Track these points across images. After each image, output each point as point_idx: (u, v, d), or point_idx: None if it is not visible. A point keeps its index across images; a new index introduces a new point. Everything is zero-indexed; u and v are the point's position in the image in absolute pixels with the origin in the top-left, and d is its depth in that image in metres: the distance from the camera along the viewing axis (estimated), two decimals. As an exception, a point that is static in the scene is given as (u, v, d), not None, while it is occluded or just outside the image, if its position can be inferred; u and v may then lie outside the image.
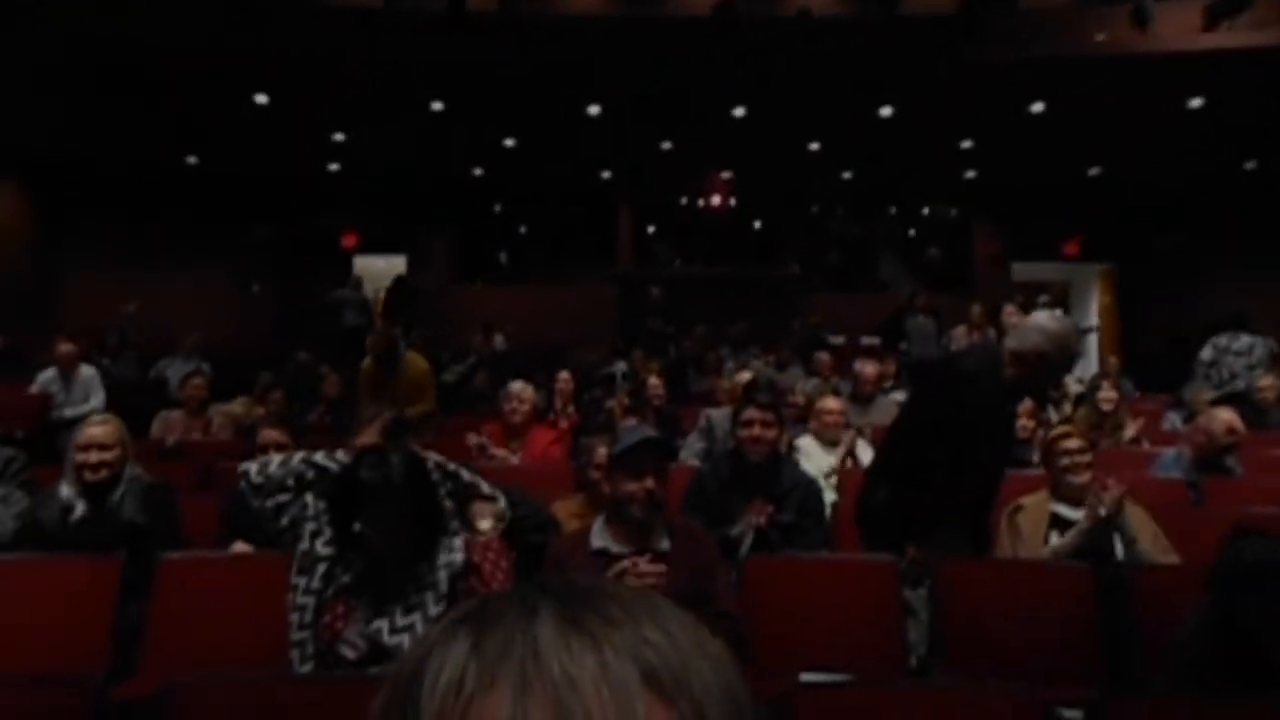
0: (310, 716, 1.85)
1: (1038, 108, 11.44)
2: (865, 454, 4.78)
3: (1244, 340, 7.84)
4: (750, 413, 3.55)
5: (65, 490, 3.11)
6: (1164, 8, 9.83)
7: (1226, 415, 4.56)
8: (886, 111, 11.73)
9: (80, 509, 3.07)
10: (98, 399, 7.49)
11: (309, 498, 2.36)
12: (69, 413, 7.12)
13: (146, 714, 1.88)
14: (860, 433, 5.11)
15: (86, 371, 7.69)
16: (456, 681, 0.40)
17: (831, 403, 5.07)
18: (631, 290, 14.62)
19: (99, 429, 3.19)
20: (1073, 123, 11.81)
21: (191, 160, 14.05)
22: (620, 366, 9.66)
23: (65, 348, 7.65)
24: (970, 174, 14.81)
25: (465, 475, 2.51)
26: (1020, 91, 11.03)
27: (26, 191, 13.59)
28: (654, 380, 6.86)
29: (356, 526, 2.20)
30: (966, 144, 13.16)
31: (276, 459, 2.41)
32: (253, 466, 2.39)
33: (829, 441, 4.87)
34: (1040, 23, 10.27)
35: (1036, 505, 3.46)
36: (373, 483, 2.23)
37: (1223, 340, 7.92)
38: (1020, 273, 16.21)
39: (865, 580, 2.81)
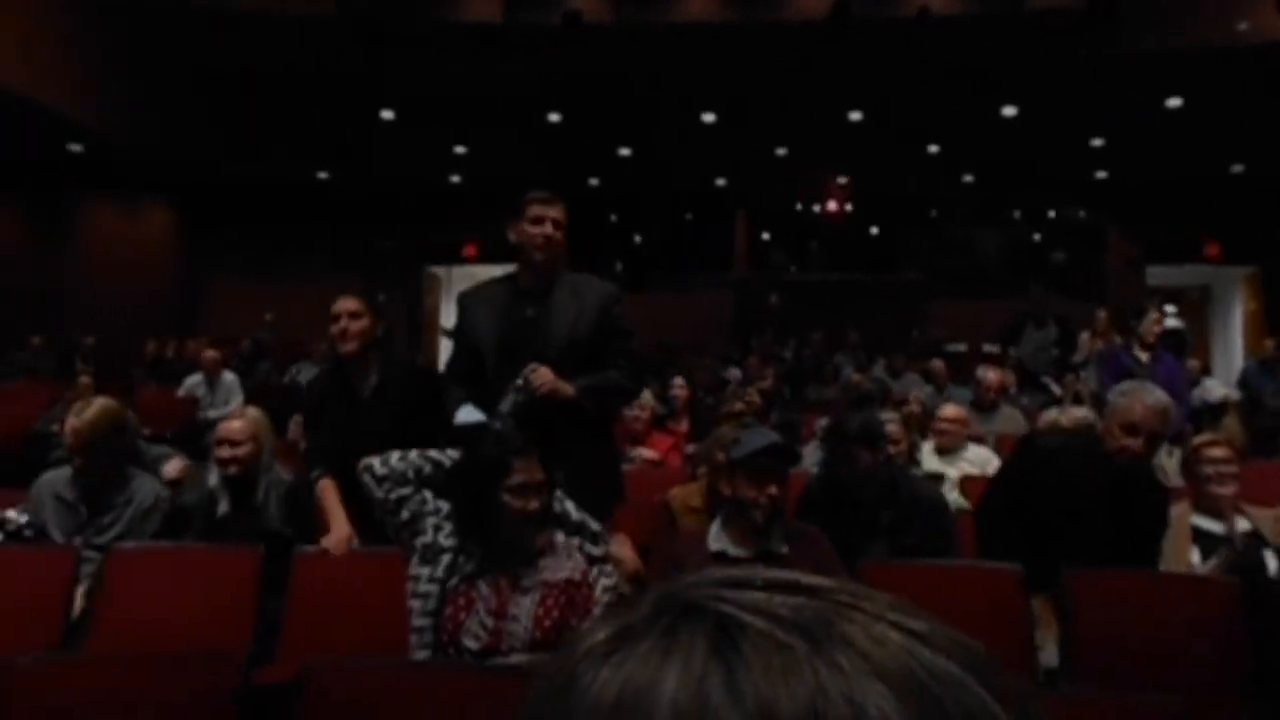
0: (437, 701, 1.92)
1: (1175, 102, 10.90)
2: (992, 464, 4.63)
3: None
4: (833, 448, 3.35)
5: (212, 479, 3.29)
6: (1314, -8, 9.26)
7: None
8: (1010, 110, 11.38)
9: (224, 504, 3.25)
10: (237, 402, 7.91)
11: (427, 493, 2.45)
12: (213, 414, 7.55)
13: (286, 696, 1.98)
14: (983, 441, 4.95)
15: (228, 377, 8.16)
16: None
17: (951, 410, 4.91)
18: (747, 297, 14.57)
19: (231, 424, 3.36)
20: (1213, 116, 11.21)
21: (322, 175, 14.71)
22: (734, 373, 9.63)
23: (210, 354, 8.16)
24: (1101, 174, 14.21)
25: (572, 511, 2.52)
26: (1156, 84, 10.54)
27: (175, 210, 14.51)
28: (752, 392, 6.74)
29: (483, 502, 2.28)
30: (1097, 142, 12.64)
31: (396, 454, 2.49)
32: (375, 461, 2.49)
33: (949, 451, 4.72)
34: (1178, 12, 9.79)
35: (1178, 518, 3.29)
36: (490, 453, 2.34)
37: None
38: (1156, 277, 15.42)
39: (990, 588, 2.72)
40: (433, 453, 2.50)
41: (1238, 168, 13.53)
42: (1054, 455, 3.05)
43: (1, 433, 5.30)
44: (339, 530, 3.00)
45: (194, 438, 7.07)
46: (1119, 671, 2.52)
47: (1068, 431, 3.43)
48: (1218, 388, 7.52)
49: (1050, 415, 3.84)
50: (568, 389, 2.73)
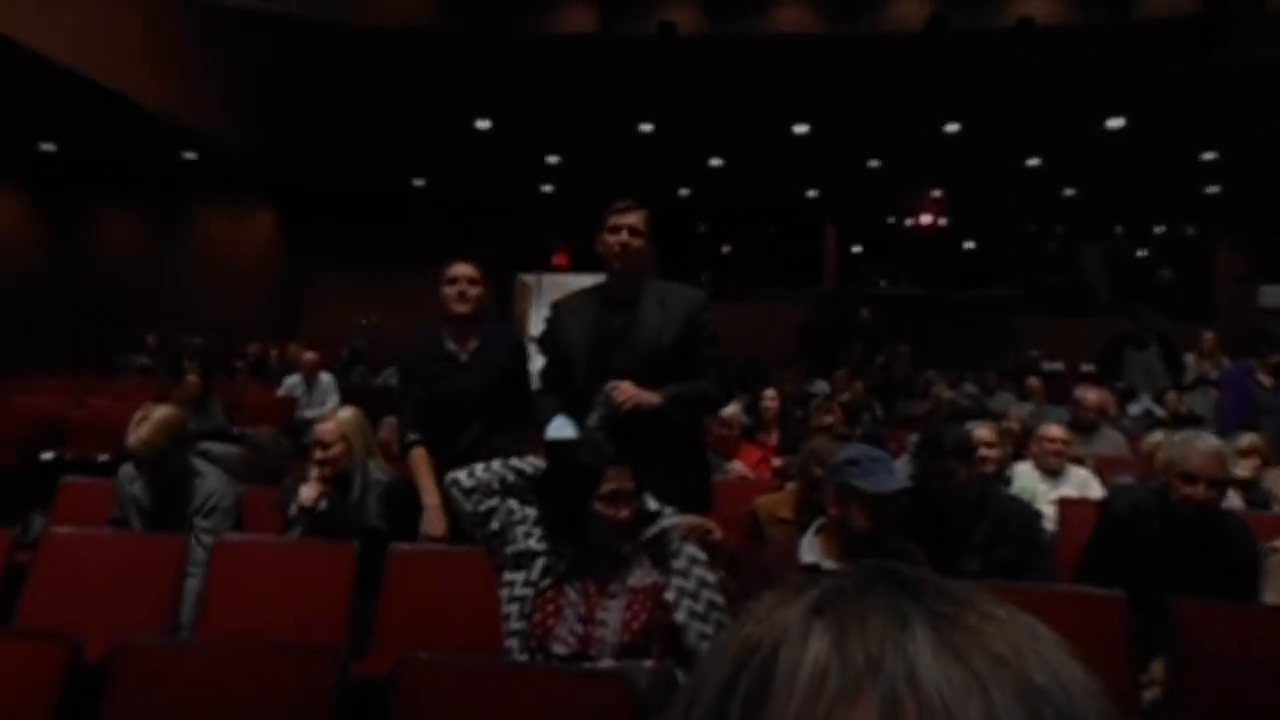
0: (528, 701, 1.95)
1: (1292, 114, 10.42)
2: (1092, 486, 4.48)
3: None
4: (925, 461, 3.28)
5: (304, 489, 3.39)
6: None
7: None
8: (1116, 123, 11.02)
9: (323, 501, 3.35)
10: (333, 403, 8.15)
11: (513, 502, 2.49)
12: (310, 414, 7.78)
13: (382, 689, 2.03)
14: (1082, 463, 4.79)
15: (325, 378, 8.40)
16: (818, 681, 0.36)
17: (1055, 430, 4.76)
18: (832, 310, 14.41)
19: (323, 427, 3.47)
20: (1334, 130, 10.67)
21: (419, 183, 15.08)
22: (822, 386, 9.53)
23: (308, 356, 8.41)
24: (1212, 188, 13.65)
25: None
26: (1272, 95, 10.07)
27: (278, 215, 15.06)
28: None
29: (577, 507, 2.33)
30: (1209, 155, 12.15)
31: (480, 465, 2.55)
32: (461, 475, 2.54)
33: (1050, 471, 4.59)
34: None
35: (1291, 548, 3.14)
36: (584, 462, 2.39)
37: None
38: (1270, 297, 14.72)
39: (1093, 614, 2.64)
40: (515, 462, 2.56)
41: (1361, 183, 12.85)
42: (1127, 520, 3.05)
43: (117, 428, 5.56)
44: (432, 502, 3.10)
45: (292, 435, 7.32)
46: (1228, 709, 2.41)
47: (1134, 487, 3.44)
48: None
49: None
50: (653, 399, 2.75)
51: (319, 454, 3.38)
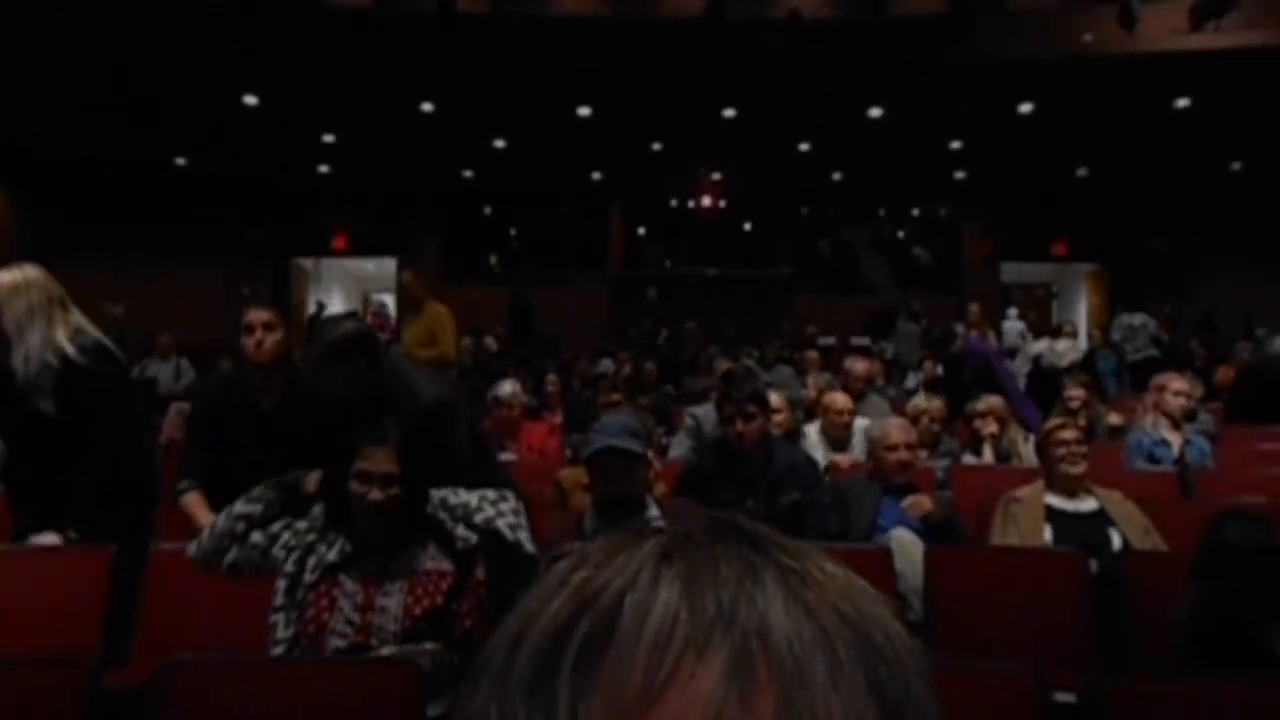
0: (302, 698, 1.86)
1: (1026, 108, 11.50)
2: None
3: None
4: (728, 409, 3.53)
5: None
6: (1150, 8, 9.90)
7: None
8: (876, 112, 11.78)
9: None
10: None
11: (255, 536, 2.34)
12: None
13: (140, 699, 1.88)
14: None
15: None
16: (667, 629, 0.35)
17: (841, 400, 5.02)
18: (623, 291, 14.66)
19: None
20: (1061, 122, 11.88)
21: (181, 162, 14.02)
22: (608, 365, 9.68)
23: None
24: (960, 174, 14.88)
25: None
26: (1009, 91, 11.09)
27: (8, 195, 13.50)
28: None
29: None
30: (956, 144, 13.22)
31: (205, 533, 2.39)
32: (193, 548, 2.38)
33: (835, 439, 4.86)
34: (1028, 23, 10.33)
35: (1032, 496, 3.49)
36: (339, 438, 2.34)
37: None
38: (1009, 273, 16.28)
39: (858, 568, 2.82)
40: (237, 507, 2.40)
41: (1083, 171, 14.38)
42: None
43: None
44: (204, 519, 2.89)
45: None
46: (974, 643, 2.65)
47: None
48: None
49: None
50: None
51: None
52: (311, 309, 16.70)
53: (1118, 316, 9.84)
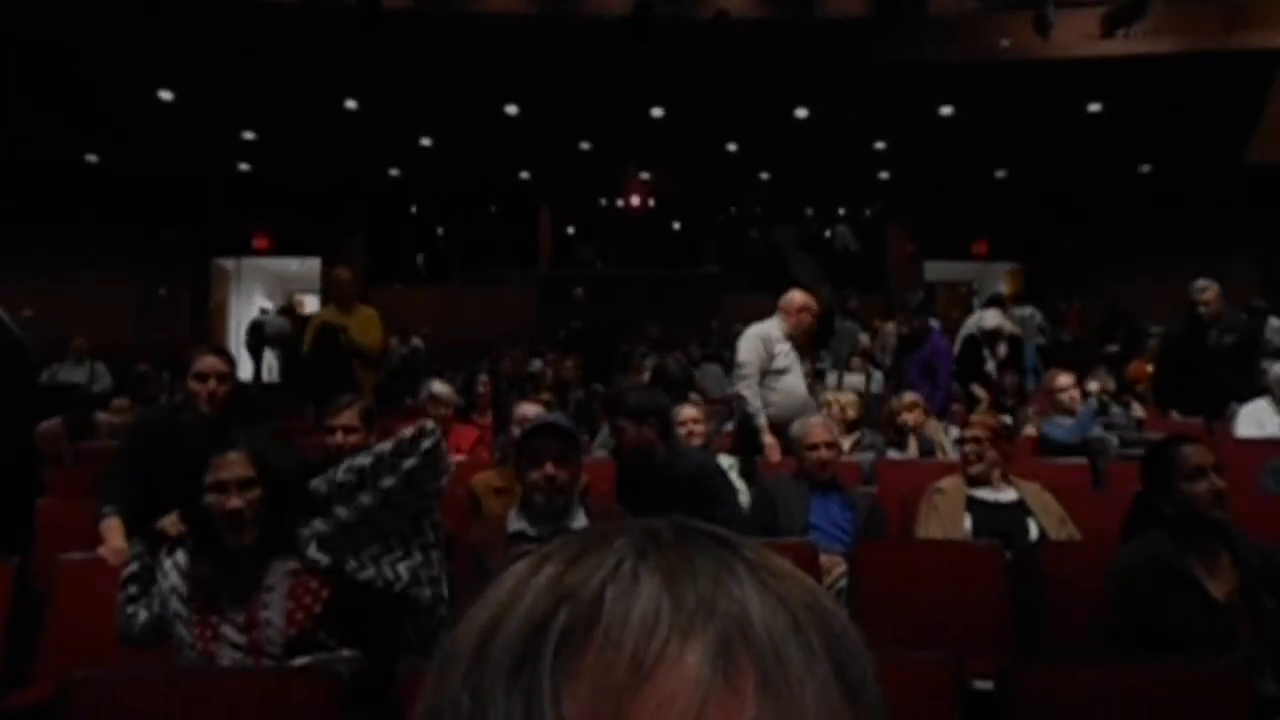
0: (218, 712, 1.81)
1: (946, 110, 11.76)
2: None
3: None
4: (616, 420, 3.47)
5: None
6: (1064, 15, 10.20)
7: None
8: (802, 113, 11.92)
9: None
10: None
11: (151, 590, 2.26)
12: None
13: (43, 717, 1.80)
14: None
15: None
16: (651, 618, 0.37)
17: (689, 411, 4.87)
18: (552, 291, 14.60)
19: None
20: (979, 125, 12.17)
21: (91, 159, 13.55)
22: (538, 365, 9.63)
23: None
24: (885, 175, 15.14)
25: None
26: (929, 94, 11.33)
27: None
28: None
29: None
30: (880, 145, 13.45)
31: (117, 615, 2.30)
32: (121, 601, 2.29)
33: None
34: (948, 27, 10.56)
35: (953, 488, 3.58)
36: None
37: None
38: (932, 271, 16.64)
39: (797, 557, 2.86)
40: (137, 536, 2.34)
41: (1001, 173, 14.76)
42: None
43: None
44: (116, 543, 2.81)
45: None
46: (897, 632, 2.69)
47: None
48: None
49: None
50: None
51: None
52: (232, 309, 16.32)
53: (1008, 310, 10.07)
